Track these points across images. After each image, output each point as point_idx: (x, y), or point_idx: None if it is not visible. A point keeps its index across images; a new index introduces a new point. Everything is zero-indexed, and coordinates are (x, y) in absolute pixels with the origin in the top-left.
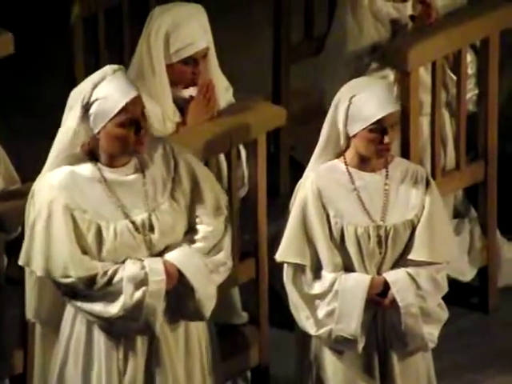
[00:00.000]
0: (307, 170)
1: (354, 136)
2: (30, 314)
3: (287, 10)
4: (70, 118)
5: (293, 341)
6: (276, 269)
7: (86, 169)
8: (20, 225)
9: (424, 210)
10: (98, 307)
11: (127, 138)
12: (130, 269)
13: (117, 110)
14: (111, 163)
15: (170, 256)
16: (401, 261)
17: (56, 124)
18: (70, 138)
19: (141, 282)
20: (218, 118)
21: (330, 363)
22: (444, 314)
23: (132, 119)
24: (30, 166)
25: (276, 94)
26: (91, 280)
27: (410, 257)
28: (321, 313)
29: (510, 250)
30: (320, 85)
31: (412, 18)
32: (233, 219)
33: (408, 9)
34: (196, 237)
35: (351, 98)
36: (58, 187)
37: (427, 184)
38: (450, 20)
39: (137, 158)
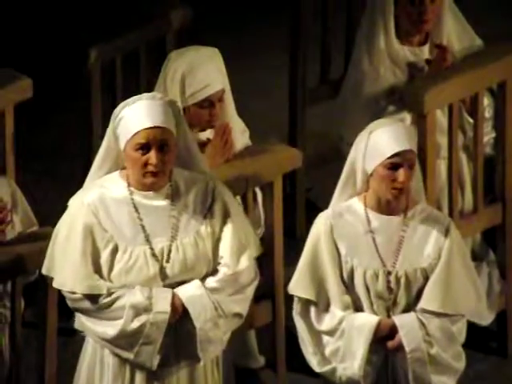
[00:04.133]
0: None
1: (372, 175)
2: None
3: (303, 54)
4: (106, 134)
5: None
6: None
7: (119, 190)
8: (37, 268)
9: (440, 259)
10: (98, 328)
11: (138, 163)
12: (135, 296)
13: (133, 133)
14: (140, 186)
15: (181, 290)
16: (415, 308)
17: (74, 168)
18: (103, 153)
19: (144, 311)
20: (235, 161)
21: None
22: (460, 365)
23: (144, 145)
24: (47, 210)
25: (292, 137)
26: (95, 299)
27: (421, 305)
28: (327, 350)
29: None
30: (337, 129)
31: (428, 61)
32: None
33: (425, 53)
34: (214, 278)
35: (370, 133)
36: (86, 205)
37: (447, 233)
38: (466, 63)
39: (171, 185)
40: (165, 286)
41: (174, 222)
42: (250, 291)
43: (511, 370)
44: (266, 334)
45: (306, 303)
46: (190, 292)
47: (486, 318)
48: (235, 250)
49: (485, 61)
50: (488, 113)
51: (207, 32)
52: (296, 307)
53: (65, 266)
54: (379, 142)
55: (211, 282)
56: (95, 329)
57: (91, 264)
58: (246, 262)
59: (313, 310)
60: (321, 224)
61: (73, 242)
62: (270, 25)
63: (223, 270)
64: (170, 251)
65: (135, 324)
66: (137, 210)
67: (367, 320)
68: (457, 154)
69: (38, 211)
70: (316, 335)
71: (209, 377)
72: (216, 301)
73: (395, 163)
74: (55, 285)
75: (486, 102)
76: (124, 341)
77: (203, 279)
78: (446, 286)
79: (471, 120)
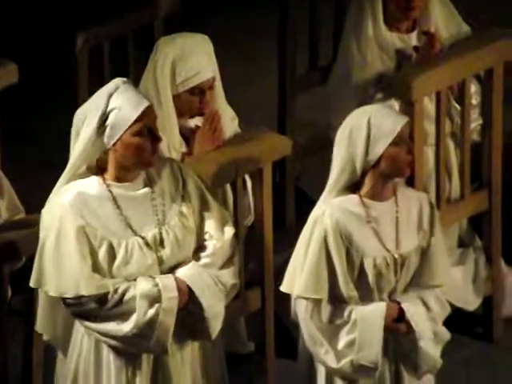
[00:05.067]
0: (320, 202)
1: (378, 163)
2: (41, 329)
3: (292, 41)
4: (84, 131)
5: (297, 373)
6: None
7: (94, 187)
8: (24, 255)
9: (430, 235)
10: (109, 326)
11: (144, 146)
12: (142, 286)
13: (133, 119)
14: (120, 178)
15: (180, 273)
16: (410, 285)
17: (60, 154)
18: (87, 147)
19: (154, 299)
20: (224, 148)
21: None
22: (447, 334)
23: (148, 127)
24: (34, 197)
25: (281, 124)
26: (103, 298)
27: (419, 281)
28: (340, 344)
29: None
30: (325, 115)
31: (416, 49)
32: (239, 249)
33: (413, 40)
34: (205, 253)
35: (368, 119)
36: (68, 205)
37: (431, 208)
38: (454, 50)
39: (145, 173)
40: (161, 272)
41: (157, 207)
42: (237, 260)
43: (497, 354)
44: (255, 319)
45: (316, 303)
46: (190, 273)
47: (472, 304)
48: (218, 222)
49: (472, 48)
50: (475, 100)
51: (195, 18)
52: (305, 309)
53: (61, 273)
54: (382, 122)
55: (203, 257)
56: (105, 328)
57: (91, 265)
58: (231, 230)
59: (321, 307)
60: (326, 221)
61: (66, 248)
62: (258, 12)
63: (212, 243)
64: (161, 236)
65: (149, 313)
66: (118, 204)
67: (376, 307)
68: (444, 141)
69: (27, 199)
70: (327, 332)
71: (207, 357)
72: (214, 275)
73: (400, 138)
74: (54, 293)
75: (474, 88)
76: (140, 332)
77: (194, 258)
78: (438, 258)
79: (459, 107)
